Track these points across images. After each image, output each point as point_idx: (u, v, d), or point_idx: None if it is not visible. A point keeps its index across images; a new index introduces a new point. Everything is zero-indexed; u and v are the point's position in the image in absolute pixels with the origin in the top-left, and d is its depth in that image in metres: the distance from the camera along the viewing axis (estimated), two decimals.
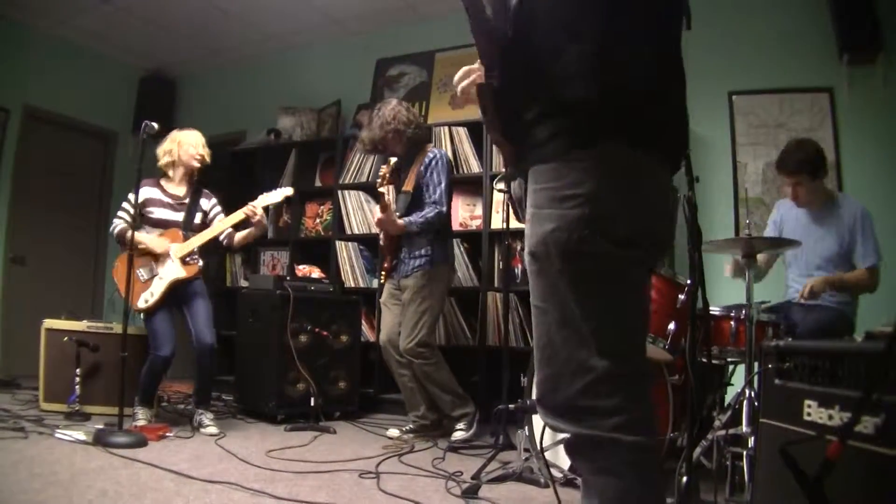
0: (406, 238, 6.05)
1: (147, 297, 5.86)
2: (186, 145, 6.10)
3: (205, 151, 6.19)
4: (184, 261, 5.96)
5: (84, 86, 9.89)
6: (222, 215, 6.30)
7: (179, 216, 6.09)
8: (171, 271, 5.92)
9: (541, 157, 2.07)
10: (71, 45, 9.64)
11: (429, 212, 5.93)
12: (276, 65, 9.97)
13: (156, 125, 5.47)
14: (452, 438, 5.85)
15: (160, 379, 6.10)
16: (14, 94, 9.03)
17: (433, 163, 6.08)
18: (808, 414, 2.63)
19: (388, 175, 5.78)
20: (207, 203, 6.29)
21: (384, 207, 5.83)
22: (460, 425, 5.96)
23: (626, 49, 2.03)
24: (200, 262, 6.13)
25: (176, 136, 6.15)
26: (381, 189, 5.81)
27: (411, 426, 6.10)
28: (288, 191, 6.26)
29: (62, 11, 8.77)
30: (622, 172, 2.00)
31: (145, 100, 10.41)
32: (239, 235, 6.24)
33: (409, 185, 6.08)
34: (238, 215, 6.03)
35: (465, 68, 2.30)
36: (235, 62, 10.26)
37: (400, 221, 5.89)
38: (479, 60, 2.19)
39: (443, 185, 6.02)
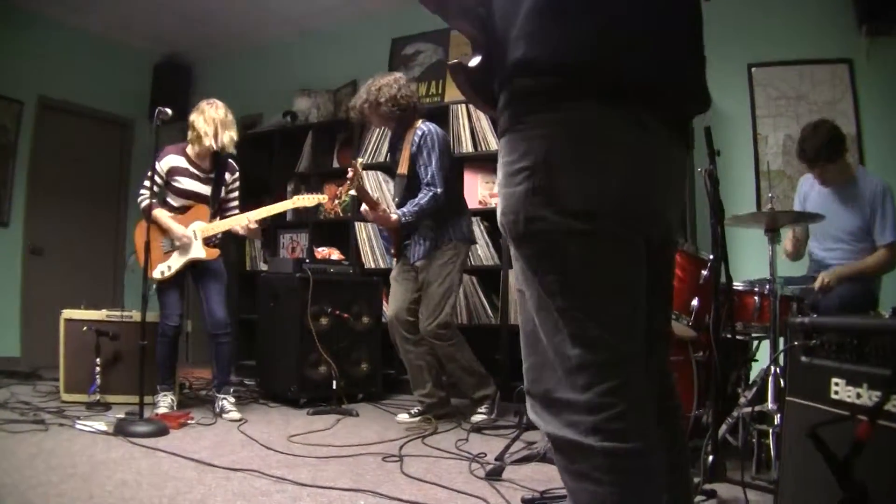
0: (408, 225, 5.82)
1: (164, 269, 5.89)
2: (209, 137, 5.91)
3: (225, 141, 5.96)
4: (206, 241, 5.96)
5: (98, 74, 9.84)
6: (238, 193, 6.33)
7: (207, 189, 6.08)
8: (193, 250, 5.92)
9: (500, 130, 1.89)
10: (83, 33, 9.60)
11: (421, 197, 5.70)
12: (292, 47, 9.91)
13: (169, 111, 5.42)
14: (473, 421, 5.79)
15: (175, 351, 6.10)
16: (27, 86, 9.02)
17: (422, 140, 5.81)
18: (836, 392, 2.59)
19: (355, 178, 5.57)
20: (230, 177, 6.24)
21: (372, 205, 5.68)
22: (481, 409, 5.89)
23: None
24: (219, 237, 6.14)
25: (206, 113, 5.99)
26: (351, 192, 5.70)
27: (419, 408, 6.02)
28: (322, 197, 6.22)
29: (77, 4, 8.77)
30: (580, 137, 1.76)
31: (160, 86, 10.36)
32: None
33: (403, 168, 5.86)
34: (229, 223, 6.04)
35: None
36: (250, 45, 10.20)
37: (393, 217, 5.66)
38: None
39: (433, 164, 5.74)
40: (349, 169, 5.58)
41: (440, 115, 7.24)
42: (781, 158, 6.66)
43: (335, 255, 7.36)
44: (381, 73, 6.10)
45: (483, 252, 7.11)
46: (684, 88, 1.92)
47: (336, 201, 8.40)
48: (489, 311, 7.18)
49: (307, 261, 6.77)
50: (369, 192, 5.74)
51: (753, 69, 6.81)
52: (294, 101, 9.04)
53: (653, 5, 1.84)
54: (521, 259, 1.87)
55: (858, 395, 2.48)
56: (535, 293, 1.85)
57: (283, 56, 9.93)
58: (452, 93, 8.01)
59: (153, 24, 9.55)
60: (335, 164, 8.68)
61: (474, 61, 1.97)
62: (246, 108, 9.64)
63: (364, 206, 5.73)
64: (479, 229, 7.12)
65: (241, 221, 5.97)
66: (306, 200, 6.12)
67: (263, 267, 8.74)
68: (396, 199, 5.88)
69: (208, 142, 5.90)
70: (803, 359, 2.82)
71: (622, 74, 1.77)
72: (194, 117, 5.99)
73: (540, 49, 1.77)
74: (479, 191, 7.42)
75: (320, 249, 7.49)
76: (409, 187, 5.85)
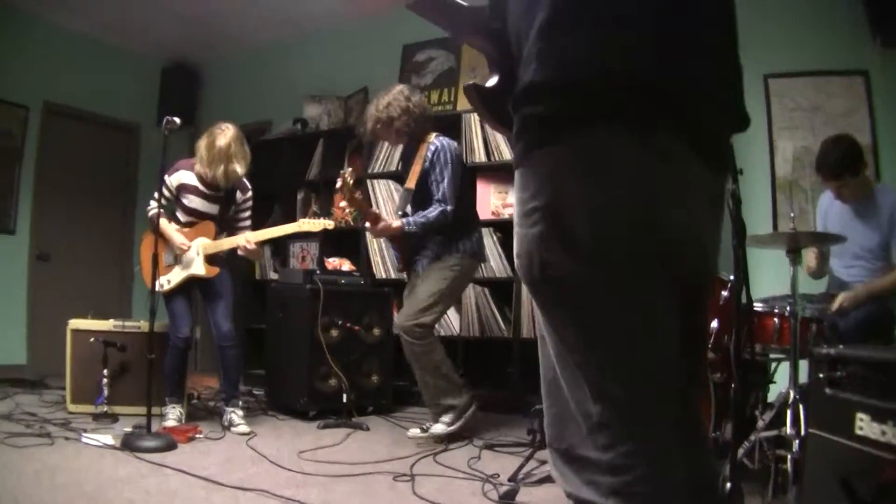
0: (411, 236, 5.70)
1: (163, 283, 5.85)
2: (204, 165, 5.81)
3: (218, 174, 5.77)
4: (209, 259, 5.92)
5: (104, 79, 9.79)
6: (250, 212, 6.27)
7: (214, 209, 6.03)
8: (193, 266, 5.90)
9: (514, 161, 1.72)
10: (89, 38, 9.55)
11: (431, 211, 5.57)
12: (301, 52, 9.83)
13: (178, 120, 5.35)
14: (431, 431, 5.63)
15: (185, 364, 6.04)
16: (33, 91, 8.98)
17: (436, 156, 5.66)
18: (861, 428, 2.52)
19: (344, 189, 5.38)
20: (241, 196, 6.17)
21: (373, 219, 5.57)
22: (444, 418, 5.65)
23: (600, 10, 1.59)
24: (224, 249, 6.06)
25: (210, 138, 5.81)
26: (342, 205, 5.57)
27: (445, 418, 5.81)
28: (328, 223, 6.07)
29: (83, 9, 8.75)
30: (592, 171, 1.57)
31: (168, 91, 10.33)
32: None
33: (411, 182, 5.73)
34: (231, 242, 5.95)
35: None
36: (259, 50, 10.15)
37: (396, 223, 5.55)
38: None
39: (446, 180, 5.60)
40: (337, 179, 5.43)
41: (452, 124, 7.19)
42: (798, 171, 6.58)
43: (346, 265, 7.29)
44: (384, 91, 5.90)
45: (496, 264, 7.06)
46: (706, 100, 1.67)
47: (346, 210, 8.35)
48: (501, 323, 7.11)
49: (317, 272, 6.72)
50: (361, 200, 5.62)
51: (770, 80, 6.73)
52: (304, 108, 9.02)
53: (672, 11, 1.62)
54: (537, 305, 1.74)
55: (883, 433, 2.41)
56: (553, 342, 1.72)
57: (293, 61, 9.85)
58: (465, 101, 7.91)
59: (161, 29, 9.50)
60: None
61: (491, 82, 1.84)
62: (255, 113, 9.70)
63: (367, 223, 5.65)
64: (491, 240, 7.08)
65: (240, 241, 5.89)
66: (312, 225, 5.98)
67: (273, 276, 8.72)
68: (400, 213, 5.72)
69: (204, 169, 5.85)
70: (827, 391, 2.76)
71: (629, 87, 1.57)
72: (200, 140, 5.90)
73: (548, 69, 1.60)
74: (492, 201, 7.37)
75: (331, 260, 7.42)
76: (414, 202, 5.74)
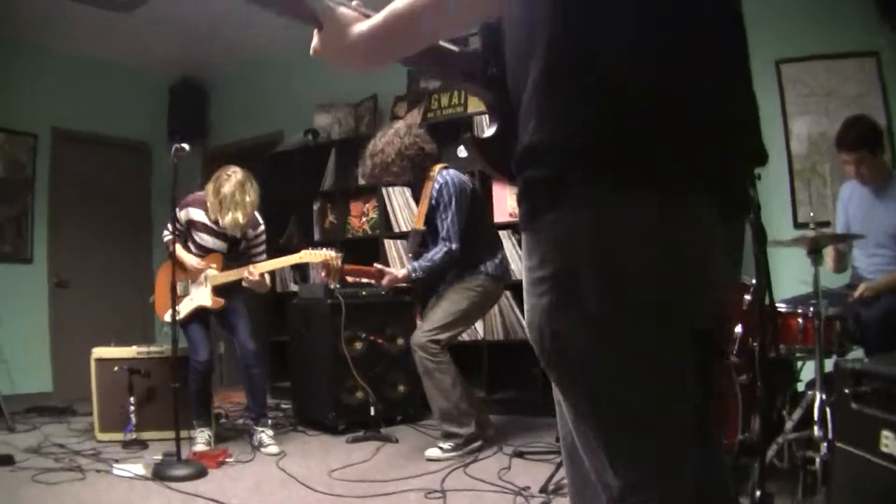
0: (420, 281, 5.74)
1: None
2: (214, 210, 5.87)
3: (227, 222, 5.80)
4: (216, 289, 5.95)
5: (111, 101, 9.76)
6: (264, 247, 6.30)
7: (223, 245, 6.07)
8: (200, 297, 5.96)
9: (520, 223, 1.62)
10: (93, 61, 9.52)
11: (435, 252, 5.56)
12: (308, 61, 9.49)
13: (187, 147, 5.33)
14: (426, 454, 5.51)
15: (208, 386, 6.07)
16: (40, 118, 8.98)
17: (440, 194, 5.59)
18: (886, 445, 2.50)
19: (332, 273, 5.59)
20: (252, 231, 6.18)
21: (377, 276, 5.70)
22: (444, 444, 5.55)
23: (597, 59, 1.49)
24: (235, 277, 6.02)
25: (217, 182, 5.85)
26: (331, 284, 5.64)
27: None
28: (329, 254, 5.94)
29: (84, 32, 8.71)
30: (599, 231, 1.48)
31: (177, 108, 10.31)
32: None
33: (419, 222, 5.74)
34: (237, 273, 5.92)
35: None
36: (265, 61, 10.03)
37: (402, 272, 5.64)
38: None
39: (449, 217, 5.54)
40: (322, 266, 5.61)
41: (463, 127, 7.15)
42: (815, 156, 6.54)
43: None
44: (380, 133, 5.89)
45: (517, 266, 6.99)
46: (715, 146, 1.55)
47: (363, 219, 8.34)
48: (525, 326, 7.03)
49: (338, 285, 6.70)
50: (353, 271, 5.83)
51: (782, 65, 6.68)
52: (314, 117, 9.00)
53: (676, 52, 1.50)
54: (550, 377, 1.66)
55: None
56: (569, 412, 1.65)
57: (300, 70, 9.71)
58: (476, 103, 7.85)
59: (165, 46, 9.45)
60: (360, 181, 8.56)
61: (489, 132, 1.77)
62: (266, 125, 9.76)
63: (372, 281, 5.68)
64: (510, 242, 7.03)
65: (243, 273, 5.88)
66: (314, 256, 5.91)
67: (293, 288, 8.72)
68: (410, 255, 5.76)
69: (213, 215, 5.89)
70: (853, 405, 2.74)
71: (630, 145, 1.46)
72: (208, 183, 5.94)
73: (547, 129, 1.51)
74: (509, 202, 7.31)
75: None
76: (423, 242, 5.78)
